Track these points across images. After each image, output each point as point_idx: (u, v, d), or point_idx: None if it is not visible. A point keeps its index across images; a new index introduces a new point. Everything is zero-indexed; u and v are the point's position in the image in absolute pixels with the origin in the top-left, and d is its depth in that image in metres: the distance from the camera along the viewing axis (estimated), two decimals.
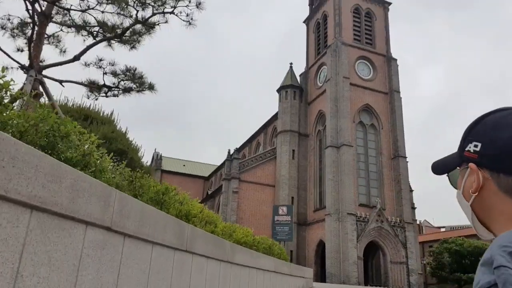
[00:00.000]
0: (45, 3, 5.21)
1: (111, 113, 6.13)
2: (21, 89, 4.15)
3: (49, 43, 6.01)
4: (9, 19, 5.88)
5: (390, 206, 32.66)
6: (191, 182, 58.97)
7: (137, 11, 5.39)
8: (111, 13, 5.38)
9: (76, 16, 5.78)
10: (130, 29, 5.63)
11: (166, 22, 5.78)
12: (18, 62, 5.13)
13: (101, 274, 1.92)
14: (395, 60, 38.03)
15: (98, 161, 2.74)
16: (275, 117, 42.17)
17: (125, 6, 5.19)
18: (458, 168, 0.87)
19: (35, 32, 5.14)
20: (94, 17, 5.64)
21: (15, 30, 5.82)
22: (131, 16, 5.45)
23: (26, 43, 5.56)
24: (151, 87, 6.04)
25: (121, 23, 5.52)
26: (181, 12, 5.76)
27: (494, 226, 0.80)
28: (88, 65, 5.93)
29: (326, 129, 34.45)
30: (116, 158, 4.39)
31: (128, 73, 5.89)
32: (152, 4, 5.44)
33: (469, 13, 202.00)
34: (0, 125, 1.83)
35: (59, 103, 5.49)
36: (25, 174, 1.40)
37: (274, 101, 63.87)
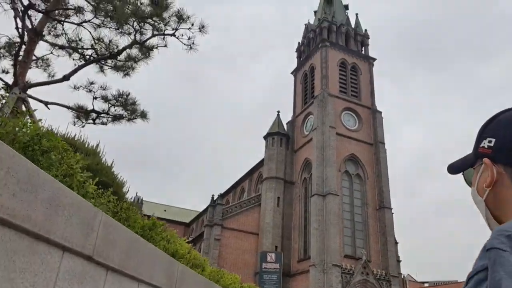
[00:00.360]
0: (37, 20, 4.99)
1: (97, 145, 5.77)
2: (1, 107, 3.82)
3: (37, 66, 5.72)
4: None
5: (375, 258, 31.93)
6: (171, 228, 57.06)
7: (136, 31, 5.19)
8: (109, 27, 5.16)
9: (70, 31, 5.52)
10: (126, 53, 5.41)
11: (166, 46, 5.61)
12: (2, 80, 4.80)
13: None
14: (380, 112, 39.00)
15: (82, 185, 2.42)
16: (260, 163, 42.01)
17: (123, 23, 5.00)
18: (472, 168, 0.87)
19: (22, 49, 4.87)
20: (90, 32, 5.41)
21: (1, 50, 5.53)
22: (129, 34, 5.25)
23: (12, 64, 5.25)
24: (143, 115, 5.69)
25: (117, 44, 5.30)
26: (182, 35, 5.63)
27: (506, 219, 0.80)
28: (78, 88, 5.60)
29: (312, 177, 34.30)
30: (100, 190, 4.04)
31: (120, 99, 5.58)
32: (153, 23, 5.27)
33: (449, 73, 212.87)
34: None
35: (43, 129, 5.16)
36: None
37: (260, 148, 64.01)
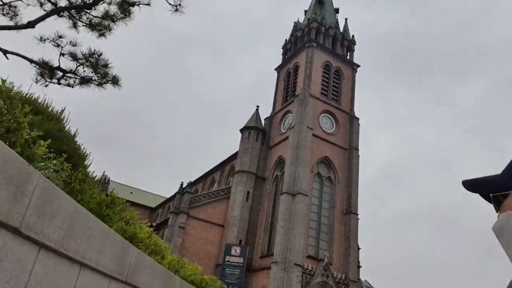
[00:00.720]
0: None
1: (62, 110, 5.22)
2: None
3: (3, 14, 5.09)
4: None
5: (337, 262, 32.26)
6: (137, 211, 56.13)
7: None
8: None
9: None
10: (104, 9, 4.88)
11: (149, 4, 5.10)
12: None
13: None
14: (358, 119, 39.35)
15: (29, 146, 2.02)
16: (234, 156, 41.64)
17: None
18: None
19: None
20: None
21: None
22: None
23: None
24: (115, 81, 5.15)
25: None
26: None
27: None
28: (44, 40, 5.00)
29: (284, 175, 34.24)
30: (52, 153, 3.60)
31: (91, 59, 5.03)
32: None
33: (428, 89, 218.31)
34: None
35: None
36: None
37: (236, 141, 63.59)
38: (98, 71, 4.94)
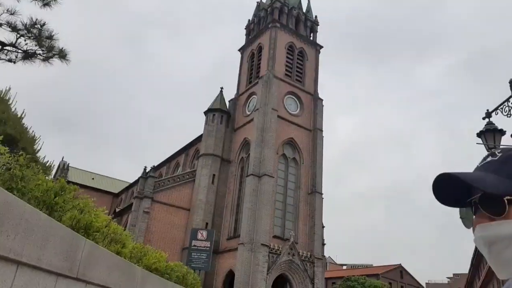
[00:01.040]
0: None
1: (8, 90, 4.69)
2: None
3: None
4: None
5: (302, 240, 32.94)
6: (99, 197, 53.95)
7: None
8: None
9: None
10: None
11: None
12: None
13: None
14: (321, 100, 39.72)
15: None
16: (198, 139, 41.07)
17: None
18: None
19: None
20: None
21: None
22: None
23: None
24: (62, 55, 4.60)
25: None
26: None
27: None
28: None
29: (249, 157, 34.20)
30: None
31: (33, 30, 4.45)
32: None
33: (388, 71, 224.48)
34: None
35: None
36: None
37: (200, 124, 62.89)
38: (43, 44, 4.41)
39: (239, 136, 37.73)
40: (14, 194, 1.99)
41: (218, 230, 34.10)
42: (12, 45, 4.39)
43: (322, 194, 35.17)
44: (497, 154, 0.94)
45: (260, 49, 40.78)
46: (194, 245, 22.09)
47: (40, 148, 4.64)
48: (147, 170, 36.64)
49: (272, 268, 29.72)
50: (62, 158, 56.47)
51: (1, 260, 1.38)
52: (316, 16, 44.89)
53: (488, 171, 0.90)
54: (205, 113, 39.40)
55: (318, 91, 40.25)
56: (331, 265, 74.18)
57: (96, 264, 2.22)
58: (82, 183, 53.84)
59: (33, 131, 4.80)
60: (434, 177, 0.92)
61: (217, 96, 40.56)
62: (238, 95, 41.02)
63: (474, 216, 0.92)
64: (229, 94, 42.17)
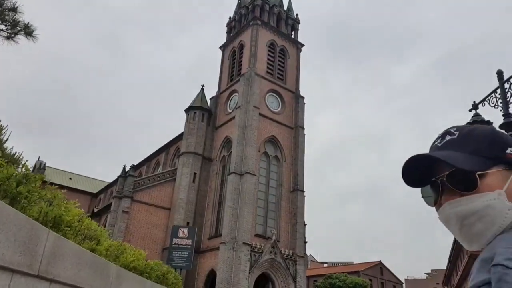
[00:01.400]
0: None
1: None
2: None
3: None
4: None
5: (284, 238, 32.86)
6: (76, 198, 52.91)
7: None
8: None
9: None
10: None
11: None
12: None
13: None
14: (303, 98, 39.73)
15: None
16: (179, 137, 40.50)
17: None
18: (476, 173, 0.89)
19: None
20: None
21: None
22: None
23: None
24: (28, 32, 4.18)
25: None
26: None
27: None
28: None
29: (231, 155, 33.88)
30: None
31: None
32: None
33: (366, 70, 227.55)
34: None
35: None
36: None
37: (180, 122, 62.19)
38: (6, 18, 3.99)
39: (221, 134, 37.37)
40: None
41: (200, 229, 33.69)
42: None
43: (304, 192, 35.17)
44: (454, 132, 0.97)
45: (241, 46, 40.49)
46: (175, 243, 21.48)
47: (7, 139, 4.27)
48: (126, 169, 35.89)
49: (254, 267, 29.52)
50: (39, 158, 54.86)
51: None
52: (297, 15, 44.90)
53: (451, 149, 0.93)
54: (186, 111, 38.87)
55: (300, 89, 40.27)
56: (312, 263, 74.61)
57: (63, 260, 1.94)
58: (59, 183, 52.35)
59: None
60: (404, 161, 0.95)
61: (198, 94, 40.08)
62: (220, 92, 40.64)
63: (439, 195, 0.93)
64: (211, 92, 41.78)
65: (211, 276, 30.97)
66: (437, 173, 0.93)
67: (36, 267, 1.62)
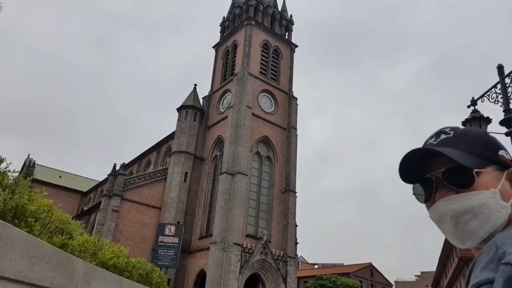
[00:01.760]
0: None
1: None
2: None
3: None
4: None
5: (275, 239, 32.65)
6: (66, 196, 52.85)
7: None
8: None
9: None
10: None
11: None
12: None
13: None
14: (296, 98, 39.59)
15: None
16: (171, 136, 40.14)
17: None
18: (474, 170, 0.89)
19: None
20: None
21: None
22: None
23: None
24: None
25: None
26: None
27: None
28: None
29: (223, 155, 33.60)
30: None
31: None
32: None
33: (358, 73, 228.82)
34: None
35: None
36: None
37: (172, 121, 61.81)
38: None
39: (213, 134, 37.09)
40: None
41: (190, 229, 33.37)
42: None
43: (295, 192, 35.00)
44: (449, 131, 0.96)
45: (235, 46, 40.26)
46: (161, 241, 20.84)
47: None
48: (117, 168, 35.43)
49: (245, 268, 29.27)
50: (28, 156, 54.07)
51: None
52: (291, 16, 44.80)
53: (447, 147, 0.91)
54: (178, 110, 38.53)
55: (293, 90, 40.14)
56: (303, 264, 74.50)
57: (9, 252, 1.69)
58: (49, 181, 51.75)
59: None
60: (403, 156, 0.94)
61: (191, 93, 39.77)
62: (212, 92, 40.37)
63: (432, 192, 0.92)
64: (204, 92, 41.47)
65: (201, 276, 30.66)
66: (432, 170, 0.92)
67: None
